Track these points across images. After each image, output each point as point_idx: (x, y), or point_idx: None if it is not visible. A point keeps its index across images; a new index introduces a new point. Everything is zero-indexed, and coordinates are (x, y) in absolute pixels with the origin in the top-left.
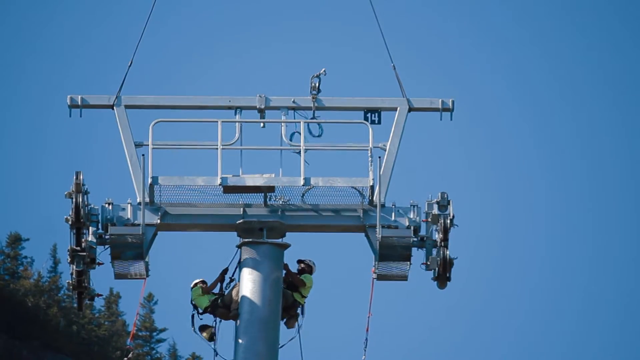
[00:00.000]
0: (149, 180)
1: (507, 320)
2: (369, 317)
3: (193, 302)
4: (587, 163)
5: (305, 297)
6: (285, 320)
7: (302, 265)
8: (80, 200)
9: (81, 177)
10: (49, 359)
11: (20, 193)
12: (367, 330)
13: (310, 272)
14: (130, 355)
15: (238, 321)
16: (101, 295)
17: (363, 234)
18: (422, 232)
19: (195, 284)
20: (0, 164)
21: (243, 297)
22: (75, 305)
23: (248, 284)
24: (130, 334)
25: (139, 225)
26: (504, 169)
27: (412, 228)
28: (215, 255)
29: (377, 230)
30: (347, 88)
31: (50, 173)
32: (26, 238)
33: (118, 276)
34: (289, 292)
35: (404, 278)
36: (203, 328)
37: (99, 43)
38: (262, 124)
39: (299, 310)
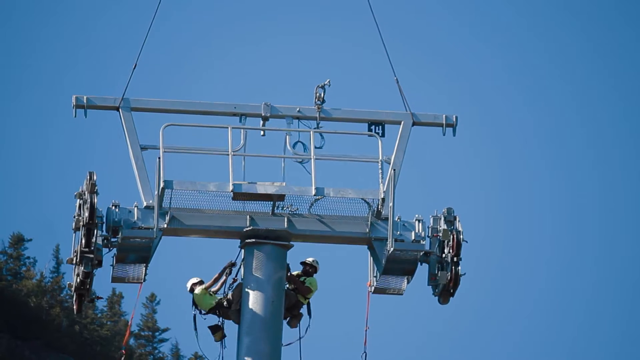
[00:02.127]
0: (161, 184)
1: (512, 323)
2: (366, 330)
3: (194, 302)
4: (593, 165)
5: (308, 299)
6: (288, 319)
7: (307, 267)
8: (95, 200)
9: (95, 177)
10: (51, 359)
11: (23, 194)
12: (365, 343)
13: (315, 272)
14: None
15: (241, 321)
16: (101, 297)
17: (364, 246)
18: (427, 247)
19: (194, 284)
20: (3, 165)
21: (245, 297)
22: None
23: (251, 284)
24: (124, 337)
25: (149, 229)
26: (509, 170)
27: (420, 242)
28: (218, 255)
29: (389, 242)
30: (352, 96)
31: (53, 174)
32: (29, 239)
33: (115, 280)
34: (292, 292)
35: (399, 292)
36: (215, 329)
37: (99, 44)
38: (262, 132)
39: (302, 310)
